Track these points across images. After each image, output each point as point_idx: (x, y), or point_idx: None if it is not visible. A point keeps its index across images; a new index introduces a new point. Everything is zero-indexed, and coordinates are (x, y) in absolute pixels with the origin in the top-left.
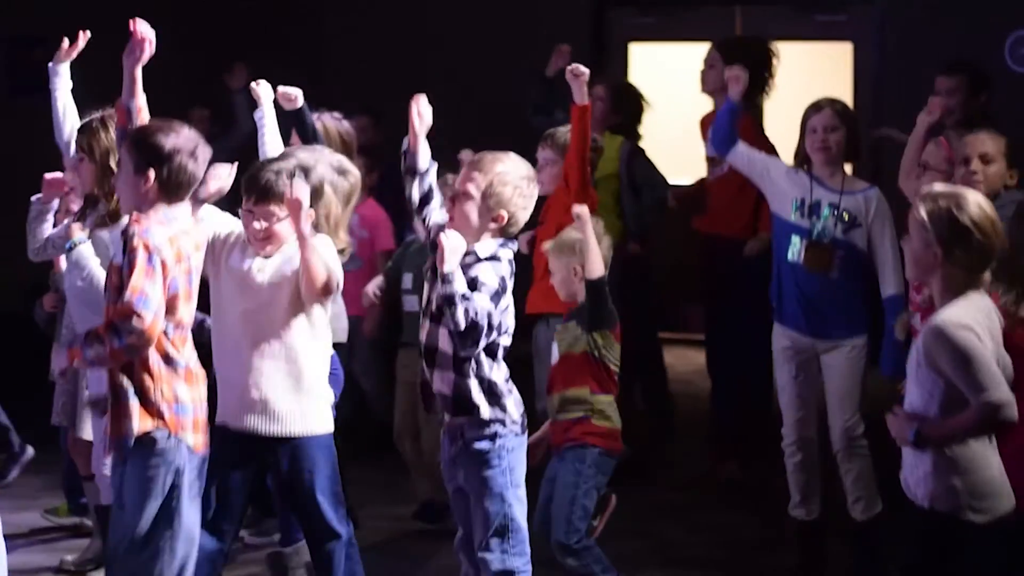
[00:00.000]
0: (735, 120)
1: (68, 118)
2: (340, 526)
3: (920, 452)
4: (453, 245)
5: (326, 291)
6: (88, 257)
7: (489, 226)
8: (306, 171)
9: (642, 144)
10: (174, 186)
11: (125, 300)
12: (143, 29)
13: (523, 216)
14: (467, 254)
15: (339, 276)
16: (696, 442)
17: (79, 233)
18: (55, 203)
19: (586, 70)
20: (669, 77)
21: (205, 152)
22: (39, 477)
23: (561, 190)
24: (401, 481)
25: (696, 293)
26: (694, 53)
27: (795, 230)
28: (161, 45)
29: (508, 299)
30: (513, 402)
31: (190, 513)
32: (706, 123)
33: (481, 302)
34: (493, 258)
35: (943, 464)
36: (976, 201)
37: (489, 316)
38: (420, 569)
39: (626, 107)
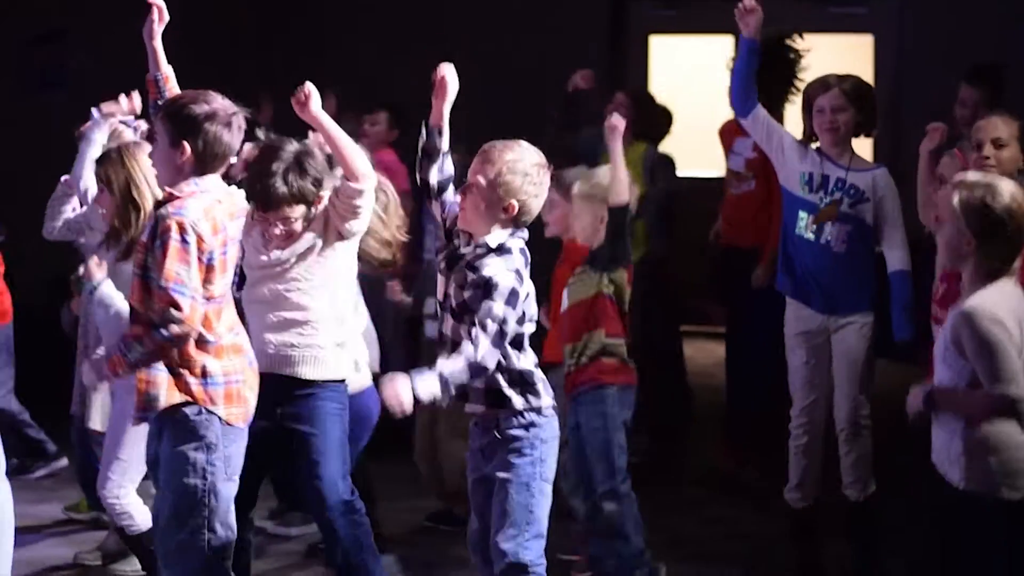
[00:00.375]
0: (753, 65)
1: (88, 174)
2: (341, 490)
3: (942, 425)
4: (396, 395)
5: (362, 175)
6: (111, 295)
7: (500, 216)
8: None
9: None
10: (210, 157)
11: (161, 287)
12: None
13: (535, 204)
14: (477, 246)
15: (369, 166)
16: (714, 436)
17: (98, 274)
18: (82, 186)
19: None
20: (689, 69)
21: (240, 121)
22: (60, 470)
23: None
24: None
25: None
26: (714, 45)
27: (803, 205)
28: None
29: (527, 287)
30: (543, 386)
31: (226, 491)
32: (725, 133)
33: (496, 309)
34: (503, 250)
35: (976, 444)
36: (1010, 191)
37: (503, 322)
38: (441, 560)
39: (646, 113)
